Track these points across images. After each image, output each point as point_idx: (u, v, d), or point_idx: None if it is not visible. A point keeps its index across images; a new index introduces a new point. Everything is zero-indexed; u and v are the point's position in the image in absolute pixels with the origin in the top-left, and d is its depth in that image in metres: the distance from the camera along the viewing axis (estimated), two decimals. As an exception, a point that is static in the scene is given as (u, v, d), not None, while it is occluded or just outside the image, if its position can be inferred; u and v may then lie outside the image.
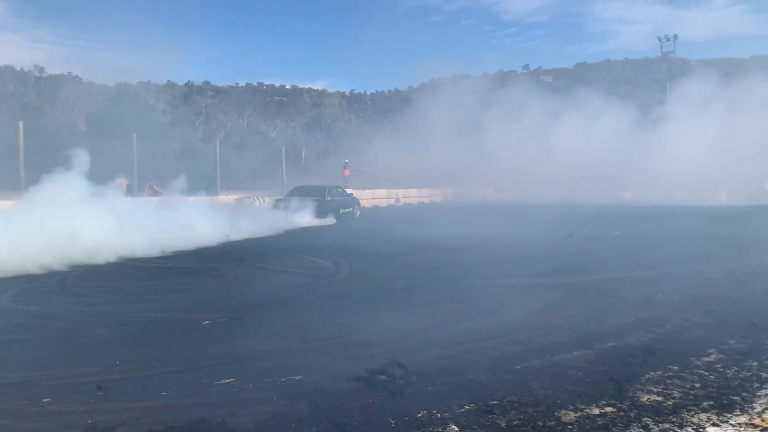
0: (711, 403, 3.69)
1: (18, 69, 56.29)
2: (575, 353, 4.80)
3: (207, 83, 70.57)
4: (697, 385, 4.01)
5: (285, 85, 79.86)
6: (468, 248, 12.54)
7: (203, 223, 14.41)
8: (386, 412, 3.60)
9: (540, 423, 3.41)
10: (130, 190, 22.61)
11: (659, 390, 3.93)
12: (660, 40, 63.29)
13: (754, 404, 3.67)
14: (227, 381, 4.23)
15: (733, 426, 3.34)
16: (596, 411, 3.59)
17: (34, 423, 3.58)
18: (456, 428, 3.35)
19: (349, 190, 25.12)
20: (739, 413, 3.53)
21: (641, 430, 3.31)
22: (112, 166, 17.70)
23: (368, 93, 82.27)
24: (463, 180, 38.69)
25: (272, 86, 79.40)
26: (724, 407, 3.62)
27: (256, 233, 16.03)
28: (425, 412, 3.60)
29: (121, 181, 23.71)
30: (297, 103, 71.31)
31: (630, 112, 42.91)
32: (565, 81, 54.11)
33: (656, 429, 3.31)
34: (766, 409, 3.59)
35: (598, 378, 4.18)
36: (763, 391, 3.88)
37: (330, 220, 20.27)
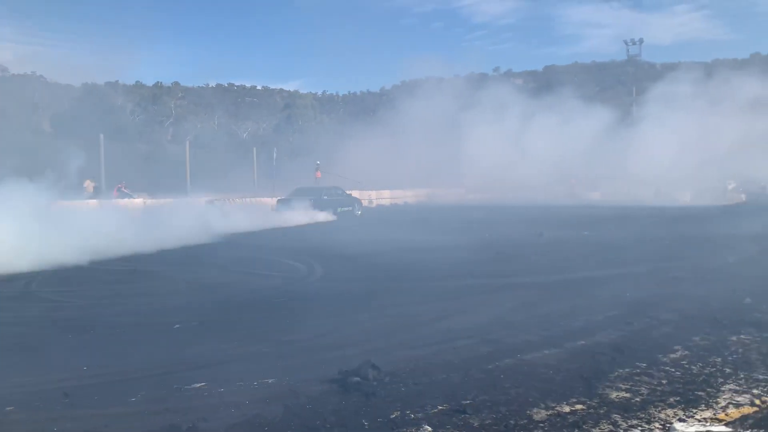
0: (677, 398, 3.77)
1: (-21, 68, 54.80)
2: (546, 352, 4.86)
3: (176, 84, 69.63)
4: (664, 382, 4.10)
5: (256, 86, 79.19)
6: (439, 249, 12.61)
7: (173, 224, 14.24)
8: (360, 414, 3.60)
9: (512, 422, 3.45)
10: (97, 192, 22.16)
11: (627, 387, 4.00)
12: (626, 43, 64.42)
13: (718, 399, 3.76)
14: (198, 385, 4.17)
15: (699, 421, 3.42)
16: (567, 409, 3.64)
17: (-2, 432, 3.49)
18: (429, 428, 3.36)
19: (349, 192, 26.78)
20: (704, 408, 3.62)
21: (610, 426, 3.37)
22: (79, 168, 17.32)
23: (340, 94, 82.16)
24: (436, 182, 38.90)
25: (243, 87, 78.65)
26: (689, 402, 3.70)
27: (237, 230, 15.94)
28: (399, 412, 3.60)
29: (89, 183, 23.24)
30: (268, 104, 70.74)
31: (598, 114, 43.65)
32: (535, 83, 54.79)
33: (625, 425, 3.37)
34: (730, 403, 3.69)
35: (568, 376, 4.24)
36: (727, 386, 3.98)
37: (330, 217, 21.92)
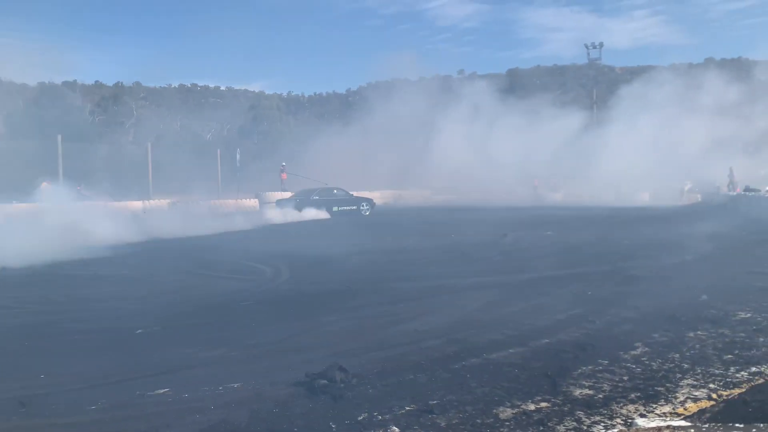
0: (638, 394, 3.86)
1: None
2: (511, 351, 4.92)
3: (138, 84, 68.21)
4: (626, 378, 4.19)
5: (220, 87, 78.15)
6: (405, 251, 12.66)
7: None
8: (327, 417, 3.58)
9: (479, 421, 3.48)
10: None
11: (590, 384, 4.08)
12: (587, 47, 65.82)
13: (677, 394, 3.87)
14: (162, 391, 4.09)
15: (659, 415, 3.50)
16: (532, 407, 3.69)
17: (-51, 444, 3.35)
18: (397, 429, 3.37)
19: (357, 193, 28.55)
20: (663, 403, 3.71)
21: (574, 423, 3.43)
22: (35, 170, 16.83)
23: (306, 95, 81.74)
24: (402, 183, 39.04)
25: (207, 87, 77.56)
26: (650, 398, 3.79)
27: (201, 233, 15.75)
28: (366, 414, 3.60)
29: (45, 185, 22.57)
30: (233, 105, 69.85)
31: (560, 117, 44.46)
32: (498, 86, 55.55)
33: (588, 422, 3.44)
34: (688, 398, 3.79)
35: (533, 374, 4.30)
36: (685, 381, 4.10)
37: (322, 215, 23.76)
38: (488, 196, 36.08)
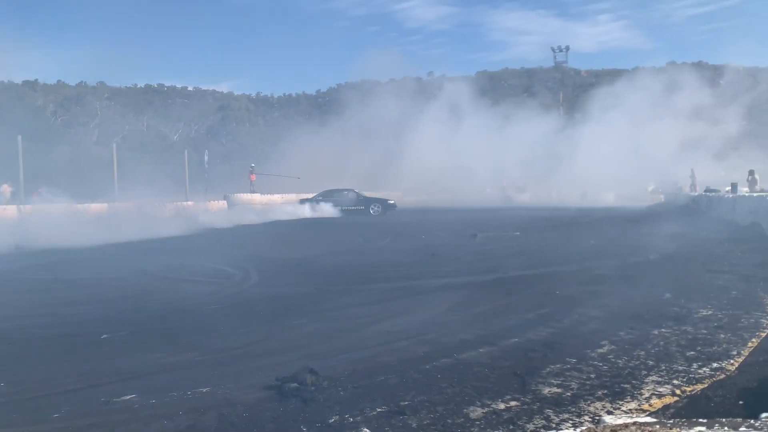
0: (605, 392, 3.93)
1: None
2: (481, 350, 4.96)
3: (102, 84, 66.71)
4: (593, 376, 4.26)
5: (187, 87, 76.94)
6: (376, 252, 12.66)
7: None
8: (298, 420, 3.55)
9: (449, 421, 3.49)
10: (15, 197, 20.96)
11: (559, 382, 4.13)
12: (554, 50, 66.93)
13: (642, 391, 3.95)
14: (128, 397, 4.00)
15: (625, 412, 3.57)
16: (502, 406, 3.72)
17: None
18: (368, 431, 3.36)
19: (371, 194, 31.13)
20: (629, 400, 3.79)
21: (543, 421, 3.47)
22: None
23: (275, 96, 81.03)
24: (373, 185, 39.03)
25: (174, 88, 76.24)
26: (616, 395, 3.86)
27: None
28: (338, 417, 3.58)
29: (5, 187, 21.92)
30: (200, 106, 68.93)
31: (527, 119, 45.05)
32: (467, 88, 56.11)
33: (557, 420, 3.49)
34: (653, 394, 3.88)
35: (502, 373, 4.34)
36: (650, 378, 4.19)
37: (335, 214, 27.37)
38: (458, 197, 36.37)
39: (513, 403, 3.76)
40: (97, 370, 4.70)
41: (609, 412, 3.56)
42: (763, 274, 8.38)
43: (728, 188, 24.16)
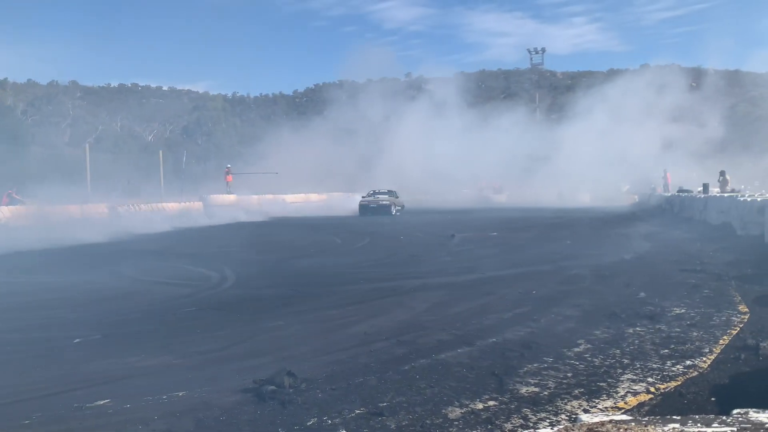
0: (582, 390, 3.97)
1: None
2: (459, 350, 4.98)
3: (74, 83, 65.61)
4: (569, 375, 4.30)
5: (162, 87, 75.98)
6: (353, 253, 12.64)
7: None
8: (276, 423, 3.52)
9: (428, 421, 3.50)
10: (-16, 199, 20.50)
11: (536, 381, 4.17)
12: (530, 52, 67.61)
13: (618, 389, 4.00)
14: (102, 402, 3.93)
15: (602, 410, 3.61)
16: (480, 405, 3.73)
17: None
18: (346, 433, 3.35)
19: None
20: (606, 398, 3.83)
21: (521, 420, 3.49)
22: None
23: (252, 96, 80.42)
24: (352, 185, 39.00)
25: (148, 87, 75.28)
26: (592, 393, 3.91)
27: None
28: (316, 419, 3.56)
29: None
30: (175, 106, 68.11)
31: (503, 120, 45.42)
32: (444, 89, 56.38)
33: (534, 419, 3.51)
34: (628, 392, 3.93)
35: (480, 373, 4.36)
36: (626, 376, 4.24)
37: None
38: (435, 198, 36.51)
39: (491, 403, 3.78)
40: (69, 375, 4.60)
41: (586, 411, 3.60)
42: (734, 273, 8.57)
43: (700, 189, 24.63)
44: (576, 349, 4.96)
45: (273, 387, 3.99)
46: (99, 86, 70.22)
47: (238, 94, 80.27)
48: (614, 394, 3.89)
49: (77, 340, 5.69)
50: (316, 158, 41.15)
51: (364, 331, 5.79)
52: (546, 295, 7.34)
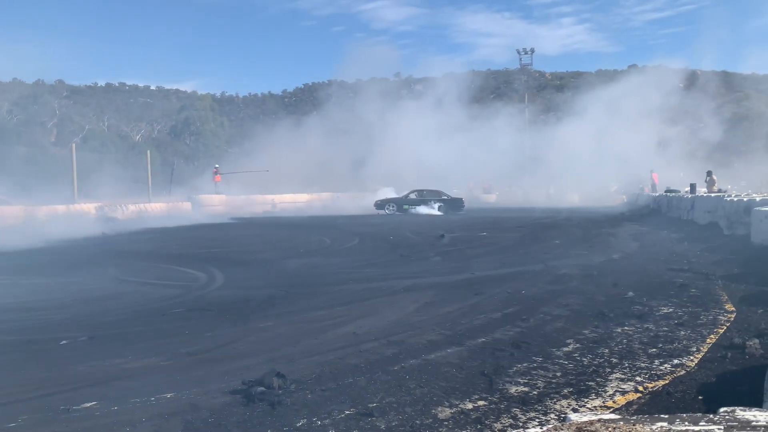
0: (571, 389, 3.99)
1: None
2: (449, 350, 4.98)
3: (60, 82, 65.03)
4: (558, 374, 4.32)
5: (150, 86, 75.52)
6: (343, 253, 12.62)
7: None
8: (265, 424, 3.51)
9: (418, 421, 3.50)
10: (-32, 199, 20.26)
11: (525, 381, 4.18)
12: (519, 53, 67.98)
13: (606, 388, 4.02)
14: (89, 405, 3.89)
15: (590, 409, 3.63)
16: (470, 405, 3.74)
17: None
18: (336, 434, 3.34)
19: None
20: (594, 397, 3.85)
21: (511, 420, 3.50)
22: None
23: (241, 95, 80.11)
24: (340, 185, 38.98)
25: (135, 86, 74.77)
26: (581, 393, 3.92)
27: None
28: (305, 420, 3.55)
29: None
30: (163, 105, 67.70)
31: (493, 120, 45.57)
32: (434, 90, 56.47)
33: (524, 418, 3.52)
34: (617, 391, 3.95)
35: (470, 373, 4.36)
36: (614, 376, 4.27)
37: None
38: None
39: (481, 403, 3.78)
40: (56, 377, 4.56)
41: (574, 410, 3.61)
42: (721, 272, 8.65)
43: (687, 189, 24.85)
44: (565, 349, 4.98)
45: (262, 388, 3.97)
46: (86, 85, 69.82)
47: (226, 94, 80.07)
48: (603, 394, 3.91)
49: (64, 342, 5.63)
50: (307, 158, 41.06)
51: (353, 331, 5.78)
52: (535, 295, 7.37)
